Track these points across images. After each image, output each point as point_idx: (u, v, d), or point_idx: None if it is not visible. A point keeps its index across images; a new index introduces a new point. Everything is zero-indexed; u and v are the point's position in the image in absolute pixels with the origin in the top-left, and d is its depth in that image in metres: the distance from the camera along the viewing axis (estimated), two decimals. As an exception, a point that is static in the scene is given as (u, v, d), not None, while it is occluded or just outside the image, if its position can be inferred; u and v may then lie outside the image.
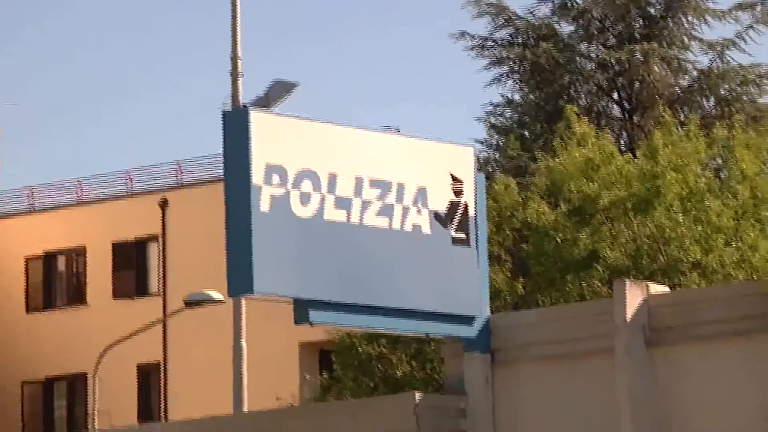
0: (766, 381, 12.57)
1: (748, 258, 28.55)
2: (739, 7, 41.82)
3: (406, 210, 13.55)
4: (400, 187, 13.57)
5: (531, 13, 41.92)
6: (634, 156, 32.28)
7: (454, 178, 13.88)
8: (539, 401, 13.73)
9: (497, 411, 13.82)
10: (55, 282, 53.00)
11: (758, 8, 41.60)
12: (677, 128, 31.68)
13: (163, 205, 47.73)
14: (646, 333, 13.08)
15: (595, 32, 41.73)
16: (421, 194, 13.65)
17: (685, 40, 42.24)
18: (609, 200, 29.41)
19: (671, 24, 41.82)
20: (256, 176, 12.66)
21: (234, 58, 25.61)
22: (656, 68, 40.81)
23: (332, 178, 13.17)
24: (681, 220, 28.75)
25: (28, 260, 52.45)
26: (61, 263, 53.16)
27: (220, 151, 13.43)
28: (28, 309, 51.39)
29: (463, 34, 41.90)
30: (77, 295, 51.40)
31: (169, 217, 48.38)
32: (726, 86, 41.46)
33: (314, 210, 12.97)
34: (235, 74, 25.04)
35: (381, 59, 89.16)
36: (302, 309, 12.95)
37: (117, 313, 47.06)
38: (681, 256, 28.69)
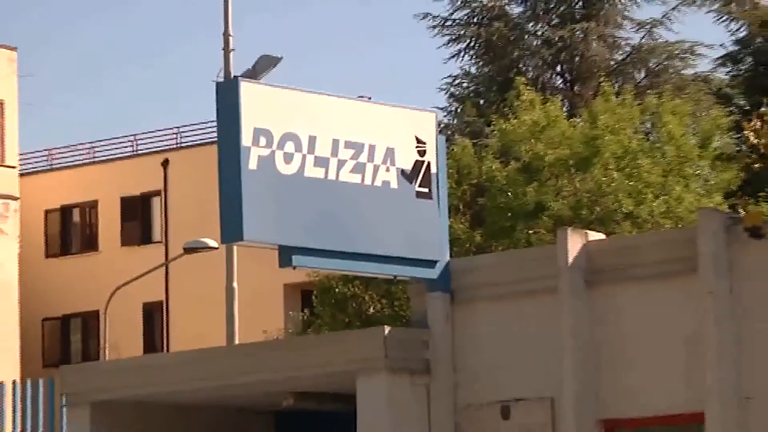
0: (690, 315, 12.55)
1: (673, 209, 29.35)
2: None
3: (376, 168, 13.62)
4: (372, 148, 13.62)
5: None
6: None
7: (418, 140, 13.92)
8: (492, 334, 13.76)
9: (456, 343, 13.89)
10: (71, 232, 54.20)
11: None
12: (615, 96, 32.44)
13: (165, 164, 49.06)
14: (585, 275, 13.19)
15: (541, 13, 42.57)
16: (390, 154, 13.77)
17: (619, 19, 43.19)
18: (554, 158, 30.16)
19: (607, 5, 42.99)
20: (245, 139, 12.74)
21: (226, 36, 25.90)
22: (594, 44, 42.02)
23: (312, 140, 13.22)
24: (616, 177, 29.66)
25: (47, 213, 53.30)
26: (75, 215, 54.25)
27: (215, 117, 13.59)
28: (47, 255, 52.47)
29: (425, 15, 42.97)
30: (90, 243, 52.86)
31: (170, 175, 49.59)
32: (655, 60, 42.42)
33: (296, 168, 13.05)
34: (227, 50, 25.51)
35: (356, 36, 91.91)
36: (286, 254, 13.03)
37: (124, 259, 48.23)
38: (616, 208, 29.46)
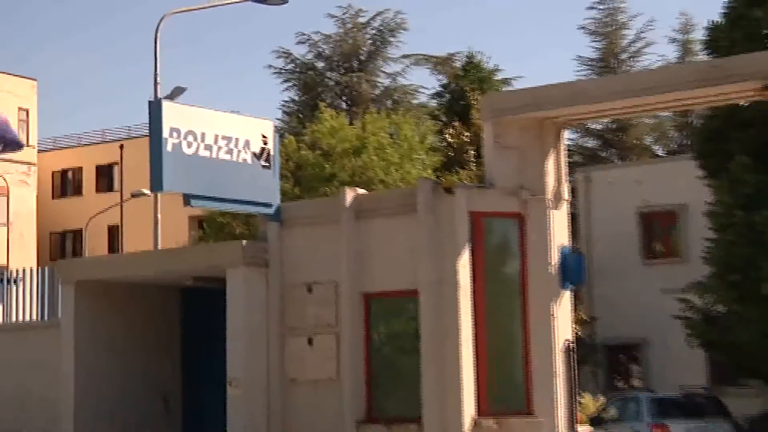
0: (413, 235, 13.99)
1: (406, 178, 32.79)
2: (405, 56, 50.21)
3: (239, 151, 15.24)
4: (237, 140, 15.20)
5: (310, 51, 49.81)
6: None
7: (263, 136, 15.57)
8: (303, 245, 15.49)
9: (282, 249, 15.57)
10: (67, 184, 61.53)
11: (413, 58, 49.88)
12: (378, 113, 37.66)
13: (122, 147, 56.65)
14: (355, 213, 14.92)
15: (334, 66, 50.14)
16: (247, 143, 15.36)
17: (378, 71, 51.00)
18: (342, 148, 33.99)
19: (370, 65, 51.21)
20: (165, 133, 14.29)
21: (155, 74, 25.61)
22: (363, 85, 49.47)
23: (203, 135, 14.80)
24: (375, 158, 33.60)
25: (53, 173, 61.43)
26: (69, 175, 61.51)
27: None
28: (53, 197, 60.31)
29: (270, 66, 49.56)
30: (78, 191, 60.71)
31: (125, 154, 56.55)
32: (397, 95, 50.73)
33: (193, 150, 14.69)
34: (155, 86, 25.79)
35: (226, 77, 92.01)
36: (187, 199, 14.86)
37: (97, 200, 55.61)
38: (374, 176, 32.79)
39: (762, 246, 21.48)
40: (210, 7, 25.91)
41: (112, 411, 16.88)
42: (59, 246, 58.10)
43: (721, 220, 23.08)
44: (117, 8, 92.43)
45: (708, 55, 25.58)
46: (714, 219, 23.55)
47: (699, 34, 35.96)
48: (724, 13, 24.56)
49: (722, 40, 23.42)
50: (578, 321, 24.38)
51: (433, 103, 46.47)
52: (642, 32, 48.63)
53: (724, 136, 23.59)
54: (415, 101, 49.42)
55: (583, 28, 50.24)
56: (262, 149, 15.40)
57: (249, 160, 15.23)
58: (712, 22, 25.12)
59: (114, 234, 55.66)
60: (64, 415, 16.88)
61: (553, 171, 14.57)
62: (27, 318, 19.55)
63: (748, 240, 21.79)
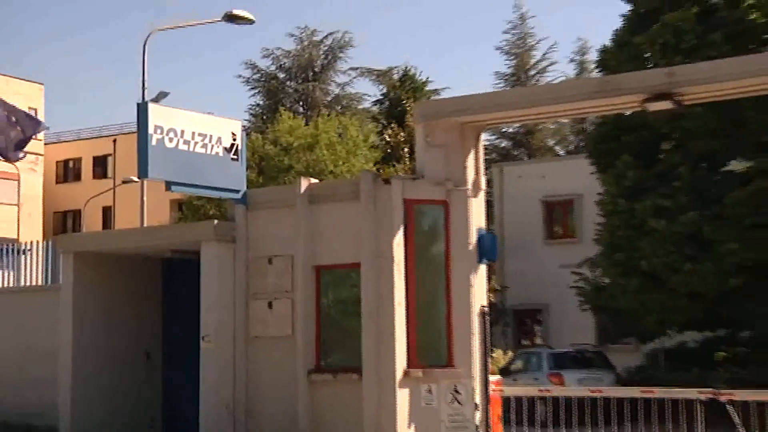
0: (357, 218, 14.39)
1: (353, 171, 33.63)
2: (352, 69, 53.30)
3: (212, 146, 15.53)
4: (211, 137, 15.51)
5: (273, 63, 53.24)
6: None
7: (233, 134, 15.89)
8: (264, 224, 15.75)
9: (248, 228, 15.79)
10: (68, 171, 64.43)
11: (358, 71, 53.35)
12: (329, 116, 39.53)
13: (115, 141, 60.18)
14: (308, 198, 15.06)
15: (293, 75, 52.90)
16: (219, 140, 15.71)
17: (329, 81, 53.62)
18: (298, 144, 35.36)
19: (323, 74, 53.55)
20: (150, 129, 14.56)
21: (143, 86, 26.01)
22: (318, 92, 51.46)
23: (182, 131, 15.09)
24: (326, 153, 35.03)
25: (57, 162, 63.90)
26: (70, 164, 64.53)
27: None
28: (56, 182, 63.61)
29: (240, 75, 54.48)
30: (77, 176, 64.40)
31: (117, 147, 58.43)
32: (345, 101, 52.77)
33: (174, 144, 14.97)
34: (143, 91, 26.22)
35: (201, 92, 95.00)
36: (168, 184, 15.15)
37: (94, 186, 57.85)
38: (324, 168, 34.33)
39: (640, 229, 22.95)
40: (190, 25, 26.94)
41: (104, 359, 17.46)
42: (61, 223, 62.52)
43: (607, 207, 24.75)
44: (111, 14, 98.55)
45: (600, 72, 27.06)
46: (602, 207, 25.23)
47: (593, 56, 38.56)
48: (613, 39, 26.04)
49: (611, 60, 25.02)
50: (492, 290, 25.28)
51: (375, 108, 50.16)
52: (547, 53, 52.85)
53: (612, 139, 25.19)
54: (360, 107, 52.86)
55: (499, 48, 56.20)
56: (232, 144, 15.69)
57: (220, 154, 15.45)
58: (604, 46, 26.59)
59: (107, 214, 59.29)
60: (62, 362, 17.39)
61: (473, 166, 15.07)
62: (33, 282, 20.49)
63: (628, 225, 23.39)
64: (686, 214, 22.32)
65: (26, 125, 17.08)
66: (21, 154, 17.70)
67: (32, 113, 20.85)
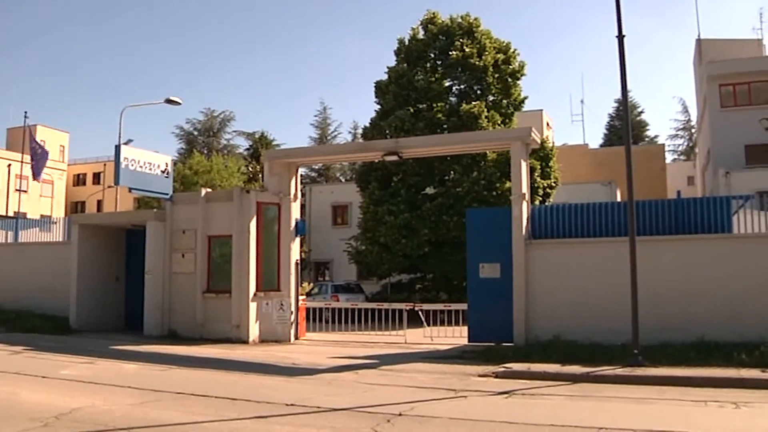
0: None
1: (232, 186, 44.69)
2: (234, 131, 79.18)
3: (155, 169, 20.40)
4: (154, 164, 20.63)
5: (191, 126, 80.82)
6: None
7: (167, 163, 20.96)
8: (182, 213, 19.56)
9: (173, 213, 20.05)
10: (84, 179, 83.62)
11: (238, 132, 79.78)
12: (219, 155, 52.55)
13: (105, 165, 78.75)
14: (206, 198, 18.75)
15: (201, 133, 75.06)
16: (158, 166, 20.62)
17: (222, 137, 74.03)
18: (202, 170, 49.45)
19: (218, 133, 73.33)
20: (122, 159, 19.86)
21: (119, 136, 31.99)
22: (214, 143, 69.39)
23: (138, 161, 20.25)
24: (217, 176, 53.47)
25: (74, 175, 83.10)
26: (86, 178, 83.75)
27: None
28: (73, 186, 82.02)
29: (173, 131, 77.87)
30: (84, 183, 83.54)
31: (107, 168, 76.28)
32: (229, 148, 72.56)
33: (134, 168, 20.02)
34: (119, 138, 31.50)
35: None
36: (131, 189, 20.45)
37: (94, 189, 78.71)
38: (217, 184, 44.07)
39: (380, 221, 34.95)
40: (148, 104, 38.01)
41: (94, 281, 22.21)
42: (75, 208, 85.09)
43: (364, 209, 36.09)
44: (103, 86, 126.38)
45: (362, 139, 39.35)
46: (362, 209, 36.60)
47: (360, 131, 59.05)
48: (370, 122, 36.67)
49: (369, 133, 36.01)
50: (303, 251, 35.44)
51: (245, 152, 71.69)
52: (336, 128, 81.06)
53: (368, 173, 36.46)
54: (237, 151, 76.06)
55: (312, 123, 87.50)
56: (165, 169, 20.84)
57: (159, 174, 20.53)
58: (365, 126, 37.66)
59: (100, 204, 77.80)
60: (72, 281, 22.07)
61: (294, 185, 20.84)
62: (59, 239, 25.20)
63: (374, 219, 35.28)
64: (403, 214, 33.02)
65: (41, 155, 24.83)
66: (42, 176, 25.42)
67: (43, 144, 26.23)
